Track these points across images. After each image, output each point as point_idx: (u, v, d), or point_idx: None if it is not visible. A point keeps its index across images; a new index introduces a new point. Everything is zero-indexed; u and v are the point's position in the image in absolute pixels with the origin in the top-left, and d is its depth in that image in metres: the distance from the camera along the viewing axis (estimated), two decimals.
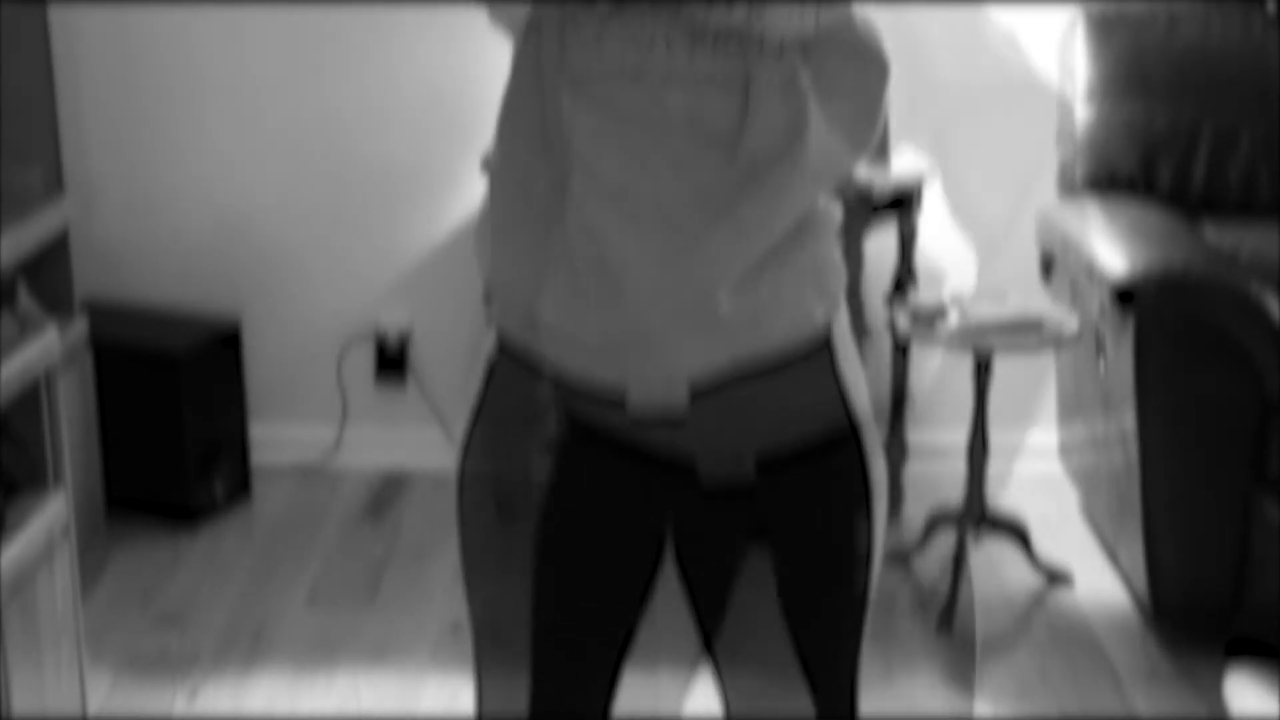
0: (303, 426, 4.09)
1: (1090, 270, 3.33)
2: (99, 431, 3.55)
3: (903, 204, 3.65)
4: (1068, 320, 3.35)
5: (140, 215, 4.00)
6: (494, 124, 1.82)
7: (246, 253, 4.01)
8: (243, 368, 3.90)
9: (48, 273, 3.15)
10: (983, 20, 3.81)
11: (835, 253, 1.77)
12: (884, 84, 1.70)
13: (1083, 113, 3.78)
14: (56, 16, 3.68)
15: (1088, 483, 3.73)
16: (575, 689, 1.90)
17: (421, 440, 4.04)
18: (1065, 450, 3.92)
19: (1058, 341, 3.37)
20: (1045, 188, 3.83)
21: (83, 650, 2.75)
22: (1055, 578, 3.52)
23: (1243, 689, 3.11)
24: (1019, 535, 3.52)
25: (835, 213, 1.77)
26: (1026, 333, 3.33)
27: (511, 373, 1.88)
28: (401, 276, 4.01)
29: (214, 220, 4.00)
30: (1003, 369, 3.47)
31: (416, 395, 4.06)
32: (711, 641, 1.89)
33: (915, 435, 3.88)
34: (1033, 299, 3.50)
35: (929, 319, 3.36)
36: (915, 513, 3.70)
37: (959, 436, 3.48)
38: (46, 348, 2.58)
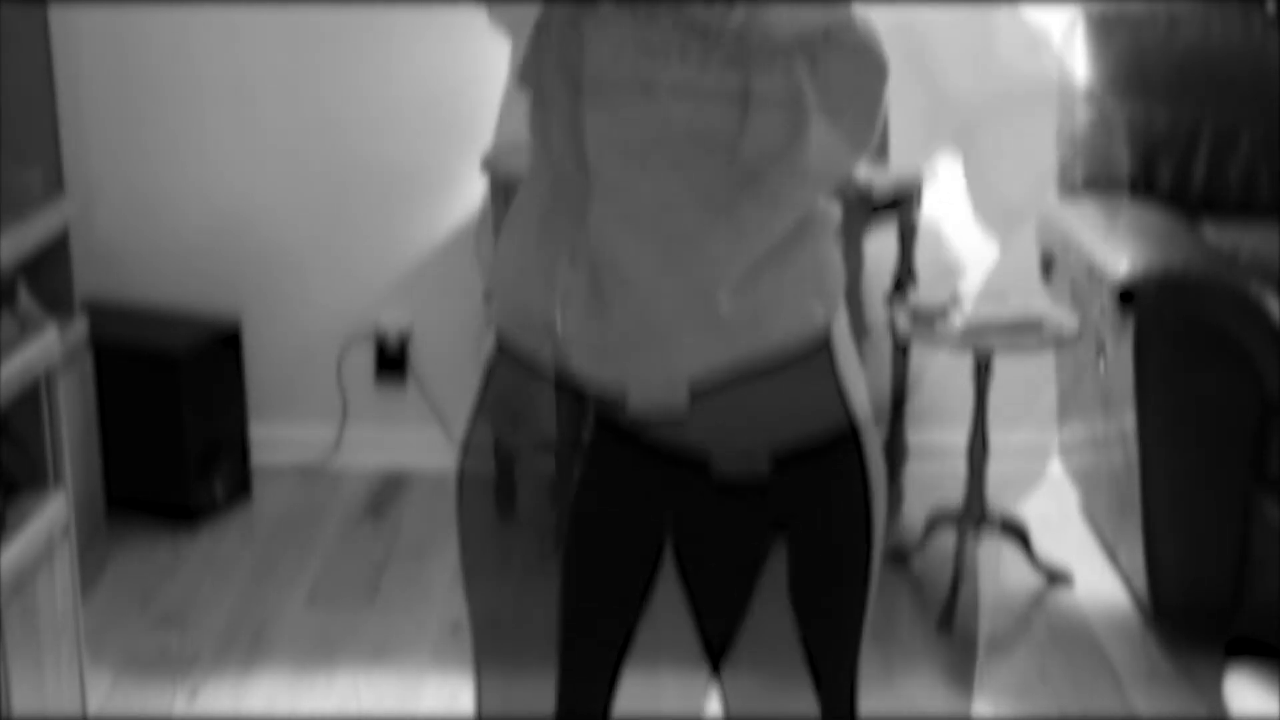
0: (303, 426, 4.09)
1: (1090, 270, 3.33)
2: (99, 431, 3.55)
3: (902, 204, 3.64)
4: (1068, 320, 3.35)
5: (140, 215, 4.00)
6: (494, 124, 1.82)
7: (246, 253, 4.01)
8: (243, 368, 3.90)
9: (48, 273, 3.15)
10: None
11: (835, 253, 1.78)
12: (883, 85, 1.70)
13: (1083, 113, 3.78)
14: (56, 16, 3.67)
15: (1088, 483, 3.73)
16: (597, 687, 1.91)
17: (421, 440, 4.04)
18: (1065, 450, 3.92)
19: (1058, 341, 3.37)
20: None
21: (83, 650, 2.75)
22: (1055, 578, 3.52)
23: (1243, 689, 3.11)
24: (1019, 535, 3.52)
25: (834, 213, 1.77)
26: (1026, 333, 3.33)
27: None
28: (401, 276, 4.01)
29: (214, 220, 4.00)
30: (1003, 369, 3.47)
31: (416, 395, 4.06)
32: (711, 642, 1.90)
33: (915, 435, 3.88)
34: (1033, 299, 3.50)
35: (929, 319, 3.36)
36: (915, 513, 3.70)
37: (959, 436, 3.48)
38: (46, 348, 2.58)
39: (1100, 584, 3.52)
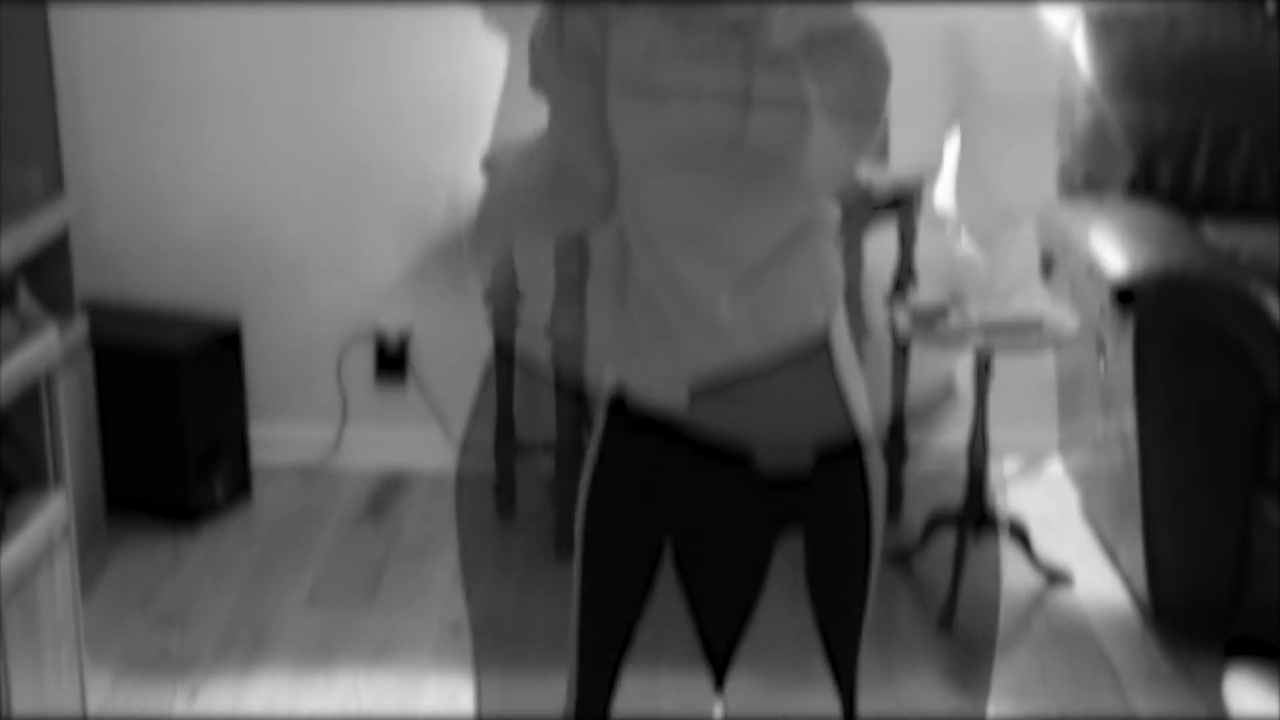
0: (303, 426, 4.09)
1: (1090, 270, 3.33)
2: (99, 431, 3.55)
3: (902, 204, 3.64)
4: (1068, 320, 3.35)
5: (140, 215, 4.00)
6: (493, 124, 1.83)
7: (246, 253, 4.01)
8: (243, 368, 3.90)
9: (48, 273, 3.15)
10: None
11: (834, 254, 1.78)
12: (886, 87, 1.70)
13: (1083, 113, 3.78)
14: (56, 16, 3.68)
15: (1088, 483, 3.73)
16: (607, 686, 1.91)
17: (421, 440, 4.04)
18: (1065, 450, 3.92)
19: (1058, 341, 3.37)
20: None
21: (83, 650, 2.75)
22: (1055, 578, 3.52)
23: (1243, 689, 3.11)
24: (1019, 535, 3.52)
25: (834, 214, 1.77)
26: (1026, 333, 3.33)
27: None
28: (401, 276, 4.01)
29: (214, 220, 4.00)
30: (1003, 369, 3.47)
31: (416, 395, 4.06)
32: (711, 644, 1.90)
33: (915, 435, 3.87)
34: (1033, 299, 3.50)
35: (929, 319, 3.36)
36: (915, 513, 3.70)
37: (959, 436, 3.48)
38: (46, 348, 2.58)
39: (1100, 584, 3.52)
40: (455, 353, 3.96)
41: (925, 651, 3.25)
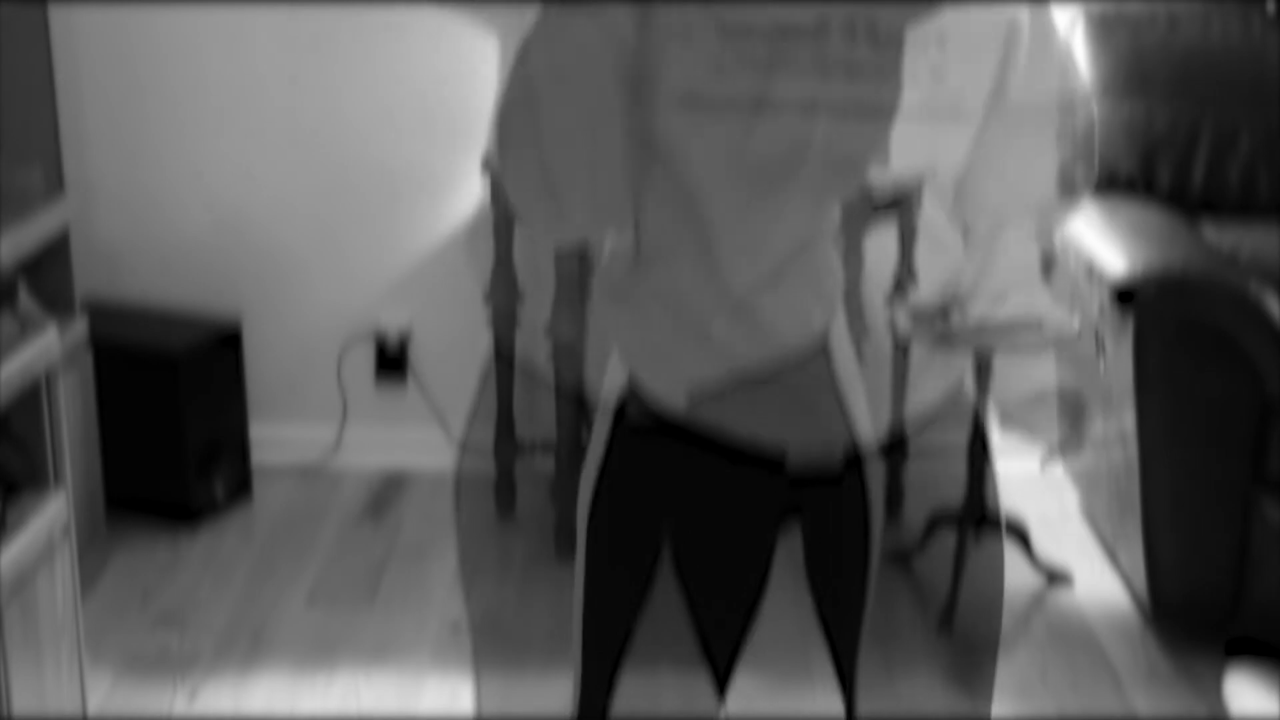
0: (303, 426, 4.09)
1: (1090, 270, 3.33)
2: (99, 431, 3.55)
3: (902, 204, 3.64)
4: (1068, 320, 3.35)
5: (140, 215, 4.00)
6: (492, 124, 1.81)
7: (246, 253, 4.01)
8: (243, 368, 3.90)
9: (48, 273, 3.15)
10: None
11: (833, 256, 1.78)
12: (896, 100, 1.69)
13: (1083, 113, 3.78)
14: (56, 16, 3.68)
15: (1088, 483, 3.73)
16: (608, 686, 1.91)
17: (421, 440, 4.04)
18: (1065, 450, 3.91)
19: (1058, 341, 3.37)
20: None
21: (83, 650, 2.75)
22: (1055, 578, 3.52)
23: (1243, 689, 3.11)
24: (1019, 535, 3.52)
25: (833, 215, 1.77)
26: (1026, 333, 3.33)
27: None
28: (401, 276, 4.01)
29: (214, 220, 4.00)
30: (1003, 369, 3.47)
31: (416, 395, 4.06)
32: (711, 644, 1.90)
33: (915, 435, 3.87)
34: (1033, 299, 3.50)
35: (929, 319, 3.36)
36: (915, 513, 3.70)
37: (959, 436, 3.48)
38: (46, 348, 2.58)
39: (1100, 584, 3.52)
40: (455, 353, 3.97)
41: (925, 651, 3.25)
